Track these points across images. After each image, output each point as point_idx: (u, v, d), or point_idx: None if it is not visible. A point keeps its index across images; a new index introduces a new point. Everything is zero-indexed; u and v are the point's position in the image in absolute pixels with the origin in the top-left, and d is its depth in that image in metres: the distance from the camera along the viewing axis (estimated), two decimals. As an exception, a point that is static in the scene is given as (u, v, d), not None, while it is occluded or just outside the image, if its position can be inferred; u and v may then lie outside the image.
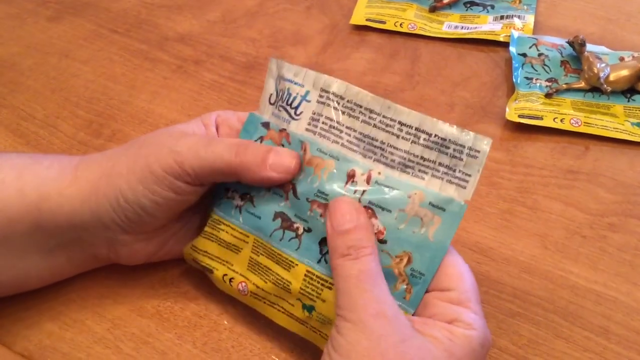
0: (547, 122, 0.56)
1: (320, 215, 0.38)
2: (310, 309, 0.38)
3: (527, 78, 0.60)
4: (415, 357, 0.32)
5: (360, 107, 0.38)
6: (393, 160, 0.37)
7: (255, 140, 0.41)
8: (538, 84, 0.60)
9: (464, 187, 0.36)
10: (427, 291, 0.37)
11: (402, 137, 0.37)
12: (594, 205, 0.51)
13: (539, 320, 0.43)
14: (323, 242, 0.38)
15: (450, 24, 0.68)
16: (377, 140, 0.38)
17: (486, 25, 0.68)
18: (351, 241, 0.35)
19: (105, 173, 0.39)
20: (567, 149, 0.55)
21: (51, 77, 0.61)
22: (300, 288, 0.38)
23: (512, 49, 0.63)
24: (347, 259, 0.35)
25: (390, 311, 0.34)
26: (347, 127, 0.38)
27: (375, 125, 0.38)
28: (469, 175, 0.36)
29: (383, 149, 0.38)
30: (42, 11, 0.70)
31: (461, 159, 0.36)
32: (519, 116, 0.56)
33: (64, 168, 0.40)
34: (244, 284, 0.40)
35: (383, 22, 0.68)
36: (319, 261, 0.38)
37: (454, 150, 0.36)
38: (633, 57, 0.61)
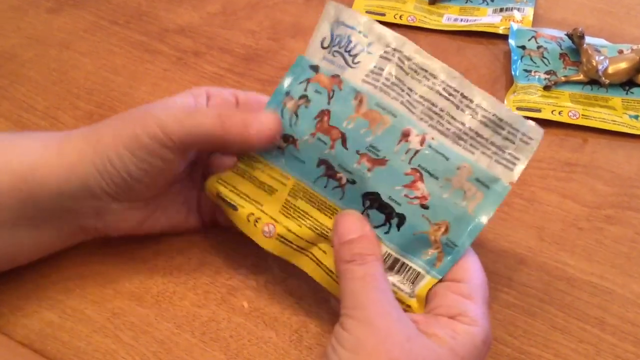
0: (545, 115, 0.56)
1: (368, 170, 0.38)
2: None
3: (525, 70, 0.60)
4: (420, 355, 0.32)
5: (426, 71, 0.38)
6: (448, 130, 0.38)
7: (301, 83, 0.40)
8: (537, 77, 0.60)
9: (511, 170, 0.38)
10: (440, 281, 0.37)
11: (462, 109, 0.38)
12: (591, 198, 0.51)
13: (535, 311, 0.44)
14: (366, 196, 0.38)
15: (450, 17, 0.68)
16: (436, 107, 0.38)
17: (485, 18, 0.68)
18: (356, 249, 0.36)
19: (92, 142, 0.40)
20: (564, 142, 0.55)
21: (52, 69, 0.62)
22: None
23: (511, 41, 0.63)
24: (353, 264, 0.36)
25: (395, 312, 0.34)
26: (408, 88, 0.38)
27: (437, 92, 0.38)
28: (518, 159, 0.37)
29: (441, 117, 0.38)
30: (43, 3, 0.70)
31: (513, 142, 0.37)
32: (517, 108, 0.57)
33: (48, 141, 0.41)
34: (271, 225, 0.40)
35: (383, 14, 0.68)
36: (361, 213, 0.39)
37: (508, 132, 0.37)
38: (632, 49, 0.61)
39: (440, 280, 0.37)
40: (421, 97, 0.38)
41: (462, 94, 0.38)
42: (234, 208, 0.42)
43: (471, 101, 0.38)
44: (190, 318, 0.43)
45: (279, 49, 0.65)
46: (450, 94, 0.38)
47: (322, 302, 0.43)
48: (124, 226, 0.43)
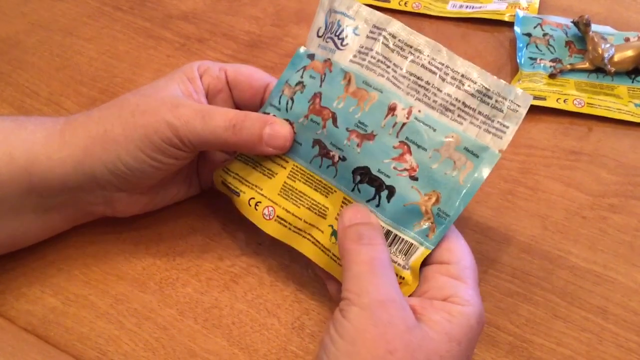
0: (550, 103, 0.56)
1: (357, 145, 0.39)
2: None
3: (531, 58, 0.60)
4: (418, 346, 0.32)
5: (411, 47, 0.39)
6: (435, 102, 0.38)
7: (298, 71, 0.42)
8: (542, 64, 0.59)
9: (500, 138, 0.38)
10: (427, 264, 0.37)
11: (447, 81, 0.38)
12: (595, 187, 0.51)
13: (538, 300, 0.44)
14: (356, 171, 0.39)
15: (455, 3, 0.68)
16: (422, 80, 0.38)
17: (491, 5, 0.67)
18: (363, 230, 0.36)
19: (99, 138, 0.39)
20: (569, 130, 0.55)
21: (55, 55, 0.61)
22: (337, 214, 0.39)
23: (517, 28, 0.62)
24: (360, 243, 0.35)
25: (398, 300, 0.34)
26: (394, 64, 0.39)
27: (422, 66, 0.38)
28: (507, 127, 0.38)
29: (427, 89, 0.38)
30: (46, -12, 0.69)
31: (501, 111, 0.38)
32: (522, 97, 0.56)
33: (49, 133, 0.40)
34: (270, 208, 0.41)
35: (387, 1, 0.68)
36: (352, 189, 0.39)
37: (496, 101, 0.38)
38: (638, 37, 0.60)
39: (428, 264, 0.37)
40: (407, 72, 0.39)
41: (447, 66, 0.38)
42: (237, 194, 0.42)
43: (456, 72, 0.38)
44: (192, 305, 0.43)
45: (283, 35, 0.64)
46: (435, 67, 0.38)
47: (324, 289, 0.43)
48: (130, 209, 0.44)
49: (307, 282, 0.44)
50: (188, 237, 0.46)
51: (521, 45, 0.61)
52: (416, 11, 0.67)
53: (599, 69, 0.59)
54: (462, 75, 0.38)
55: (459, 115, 0.38)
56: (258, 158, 0.42)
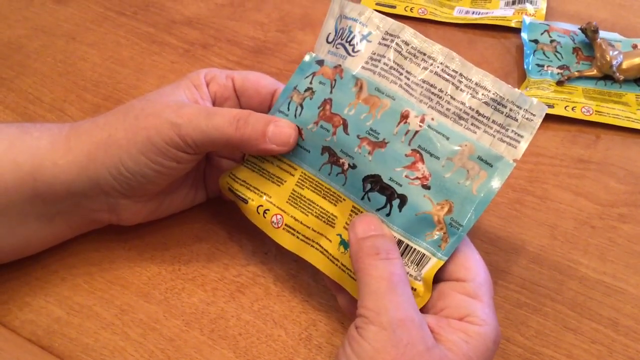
0: (558, 111, 0.56)
1: (368, 153, 0.38)
2: (346, 245, 0.38)
3: (538, 65, 0.59)
4: None
5: (424, 54, 0.38)
6: (448, 110, 0.38)
7: (307, 77, 0.41)
8: (549, 72, 0.59)
9: (515, 147, 0.37)
10: (442, 280, 0.37)
11: (461, 89, 0.38)
12: (604, 196, 0.50)
13: (547, 311, 0.43)
14: (366, 179, 0.38)
15: (461, 9, 0.67)
16: (435, 88, 0.38)
17: (498, 11, 0.67)
18: (379, 244, 0.35)
19: (102, 143, 0.39)
20: (577, 138, 0.55)
21: (58, 60, 0.61)
22: (346, 222, 0.39)
23: (524, 35, 0.62)
24: (378, 258, 0.35)
25: (417, 318, 0.33)
26: (407, 71, 0.38)
27: (436, 73, 0.38)
28: (521, 137, 0.37)
29: (440, 97, 0.38)
30: (49, -7, 0.69)
31: (516, 120, 0.37)
32: (530, 104, 0.56)
33: (55, 139, 0.40)
34: (279, 216, 0.41)
35: (393, 7, 0.67)
36: (362, 198, 0.39)
37: (510, 110, 0.37)
38: (647, 44, 0.60)
39: (444, 279, 0.37)
40: (420, 79, 0.38)
41: (461, 74, 0.38)
42: (244, 201, 0.42)
43: (470, 81, 0.38)
44: (198, 315, 0.42)
45: (288, 41, 0.64)
46: (449, 75, 0.38)
47: (332, 300, 0.42)
48: (135, 217, 0.44)
49: (315, 293, 0.43)
50: (194, 246, 0.46)
51: (528, 51, 0.60)
52: (422, 17, 0.66)
53: (607, 77, 0.58)
54: (476, 84, 0.37)
55: (472, 124, 0.37)
56: (265, 165, 0.42)
